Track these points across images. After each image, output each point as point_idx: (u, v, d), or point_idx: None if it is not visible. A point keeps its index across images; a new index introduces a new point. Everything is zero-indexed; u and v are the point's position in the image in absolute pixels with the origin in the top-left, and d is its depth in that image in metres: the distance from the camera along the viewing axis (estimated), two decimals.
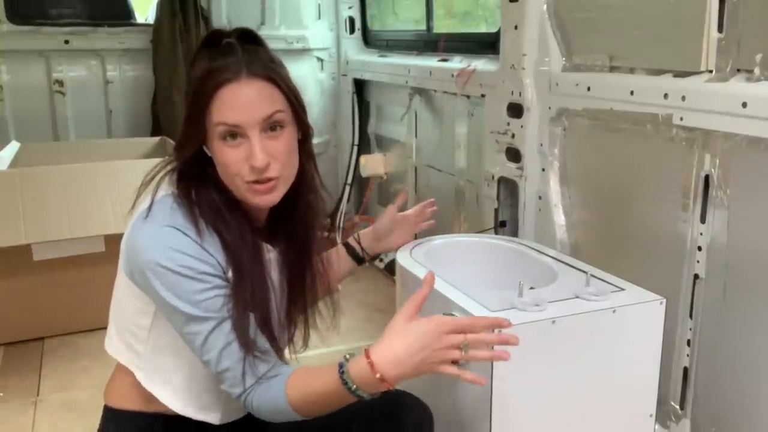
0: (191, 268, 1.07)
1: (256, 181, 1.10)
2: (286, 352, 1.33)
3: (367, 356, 1.02)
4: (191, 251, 1.08)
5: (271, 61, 1.14)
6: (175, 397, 1.21)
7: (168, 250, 1.07)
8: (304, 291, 1.27)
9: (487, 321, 1.10)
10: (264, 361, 1.12)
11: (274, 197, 1.14)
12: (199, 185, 1.14)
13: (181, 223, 1.09)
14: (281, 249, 1.24)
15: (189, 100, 1.11)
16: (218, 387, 1.15)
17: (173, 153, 1.18)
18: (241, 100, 1.08)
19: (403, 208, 1.61)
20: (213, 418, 1.23)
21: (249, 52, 1.11)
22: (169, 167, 1.17)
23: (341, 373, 1.03)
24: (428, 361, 1.02)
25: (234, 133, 1.09)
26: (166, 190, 1.15)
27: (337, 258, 1.50)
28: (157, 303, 1.12)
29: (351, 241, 1.55)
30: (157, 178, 1.16)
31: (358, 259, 1.54)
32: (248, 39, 1.14)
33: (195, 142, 1.12)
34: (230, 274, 1.11)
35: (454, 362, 1.04)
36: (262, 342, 1.13)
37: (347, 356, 1.06)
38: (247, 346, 1.10)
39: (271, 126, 1.11)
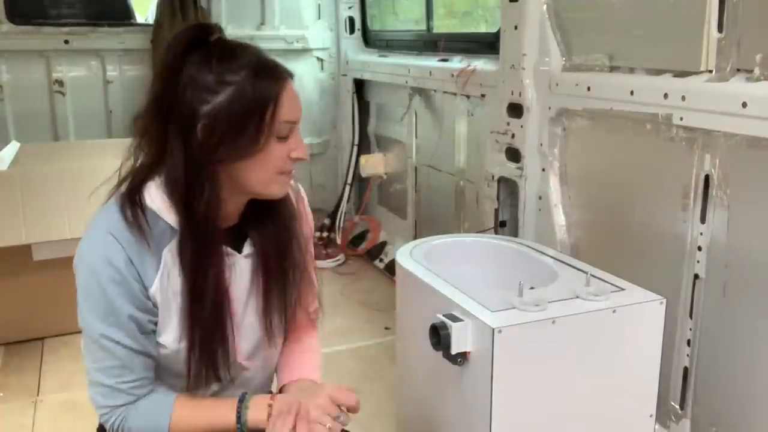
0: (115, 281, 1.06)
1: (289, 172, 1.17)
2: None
3: (271, 398, 1.15)
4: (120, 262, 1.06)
5: None
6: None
7: (102, 258, 1.06)
8: (284, 292, 1.26)
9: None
10: (147, 384, 1.14)
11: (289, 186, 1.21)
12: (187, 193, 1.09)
13: (124, 229, 1.07)
14: (257, 251, 1.22)
15: (239, 108, 1.07)
16: (177, 366, 1.14)
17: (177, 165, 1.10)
18: (296, 97, 1.13)
19: None
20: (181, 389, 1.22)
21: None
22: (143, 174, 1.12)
23: (241, 402, 1.13)
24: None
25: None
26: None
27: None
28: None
29: None
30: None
31: None
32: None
33: (252, 148, 1.10)
34: (159, 296, 1.10)
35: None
36: (144, 363, 1.13)
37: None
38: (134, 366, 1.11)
39: None
